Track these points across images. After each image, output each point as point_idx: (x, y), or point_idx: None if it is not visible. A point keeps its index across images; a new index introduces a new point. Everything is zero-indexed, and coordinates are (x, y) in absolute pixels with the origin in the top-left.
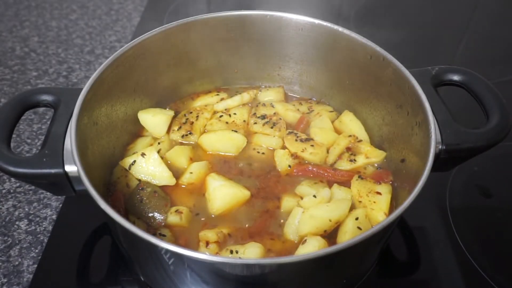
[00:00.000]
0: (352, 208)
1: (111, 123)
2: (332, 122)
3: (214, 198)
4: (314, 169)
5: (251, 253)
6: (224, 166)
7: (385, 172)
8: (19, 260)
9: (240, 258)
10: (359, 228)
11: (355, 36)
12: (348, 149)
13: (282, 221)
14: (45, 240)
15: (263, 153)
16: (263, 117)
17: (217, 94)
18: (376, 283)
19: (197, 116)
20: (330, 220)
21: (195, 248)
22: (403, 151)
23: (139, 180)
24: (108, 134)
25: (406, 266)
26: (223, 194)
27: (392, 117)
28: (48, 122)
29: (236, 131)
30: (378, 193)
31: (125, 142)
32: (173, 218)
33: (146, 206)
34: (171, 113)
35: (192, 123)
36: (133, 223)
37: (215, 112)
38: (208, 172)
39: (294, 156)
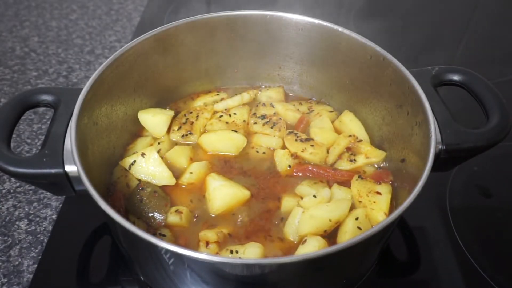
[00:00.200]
0: (352, 208)
1: (111, 123)
2: (332, 122)
3: (214, 198)
4: (314, 169)
5: (251, 253)
6: (224, 166)
7: (385, 172)
8: (19, 260)
9: (240, 258)
10: (359, 228)
11: (355, 36)
12: (348, 149)
13: (282, 221)
14: (45, 240)
15: (263, 153)
16: (263, 117)
17: (217, 94)
18: (376, 283)
19: (197, 116)
20: (330, 220)
21: (195, 248)
22: (403, 151)
23: (139, 180)
24: (108, 134)
25: (406, 266)
26: (223, 194)
27: (392, 117)
28: (48, 122)
29: (236, 131)
30: (378, 193)
31: (125, 142)
32: (173, 218)
33: (146, 206)
34: (171, 113)
35: (192, 123)
36: (133, 223)
37: (215, 112)
38: (208, 172)
39: (294, 156)
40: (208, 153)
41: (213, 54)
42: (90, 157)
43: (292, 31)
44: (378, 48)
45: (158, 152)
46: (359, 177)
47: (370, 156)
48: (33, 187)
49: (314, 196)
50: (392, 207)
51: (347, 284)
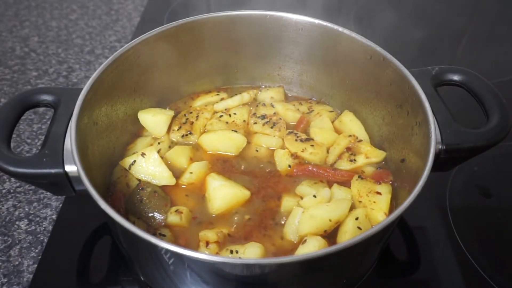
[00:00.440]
0: (352, 208)
1: (111, 123)
2: (332, 122)
3: (214, 198)
4: (314, 169)
5: (251, 253)
6: (224, 166)
7: (385, 172)
8: (19, 260)
9: (240, 258)
10: (359, 228)
11: (355, 36)
12: (348, 149)
13: (282, 221)
14: (45, 240)
15: (263, 153)
16: (263, 117)
17: (217, 94)
18: (376, 283)
19: (197, 116)
20: (330, 220)
21: (195, 248)
22: (403, 151)
23: (139, 180)
24: (108, 134)
25: (406, 266)
26: (223, 194)
27: (392, 117)
28: (48, 122)
29: (236, 131)
30: (378, 193)
31: (125, 142)
32: (173, 218)
33: (146, 206)
34: (171, 113)
35: (192, 123)
36: (133, 223)
37: (215, 112)
38: (208, 172)
39: (294, 156)
40: (208, 153)
41: (213, 54)
42: (90, 157)
43: (292, 31)
44: (378, 48)
45: (158, 152)
46: (359, 177)
47: (370, 156)
48: (33, 187)
49: (314, 196)
50: (392, 207)
51: (347, 284)
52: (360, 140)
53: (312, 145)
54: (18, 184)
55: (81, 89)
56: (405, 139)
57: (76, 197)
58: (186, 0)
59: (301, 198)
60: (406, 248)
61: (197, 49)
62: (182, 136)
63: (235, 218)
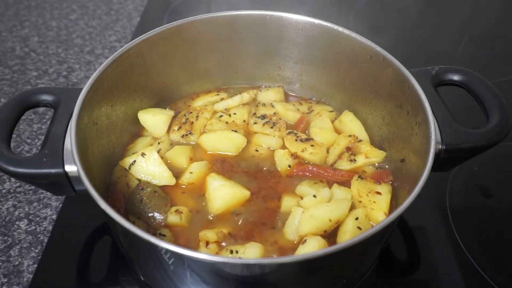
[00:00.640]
0: (352, 208)
1: (111, 123)
2: (332, 122)
3: (214, 198)
4: (314, 169)
5: (251, 253)
6: (224, 166)
7: (385, 172)
8: (19, 260)
9: (240, 258)
10: (359, 228)
11: (355, 36)
12: (348, 149)
13: (282, 221)
14: (45, 240)
15: (263, 153)
16: (263, 117)
17: (217, 94)
18: (376, 283)
19: (197, 116)
20: (330, 220)
21: (195, 248)
22: (403, 151)
23: (139, 180)
24: (108, 134)
25: (406, 266)
26: (223, 194)
27: (392, 117)
28: (48, 122)
29: (236, 131)
30: (378, 193)
31: (125, 142)
32: (173, 218)
33: (146, 206)
34: (171, 113)
35: (192, 123)
36: (133, 223)
37: (215, 112)
38: (208, 172)
39: (294, 156)
40: (208, 153)
41: (213, 54)
42: (90, 157)
43: (292, 31)
44: (378, 48)
45: (158, 152)
46: (359, 177)
47: (370, 156)
48: (33, 187)
49: (314, 196)
50: (392, 207)
51: (347, 284)
52: (360, 140)
53: (312, 145)
54: (18, 184)
55: (81, 89)
56: (405, 139)
57: (76, 197)
58: (186, 0)
59: (301, 198)
60: (406, 248)
61: (197, 49)
62: (182, 136)
63: (235, 218)
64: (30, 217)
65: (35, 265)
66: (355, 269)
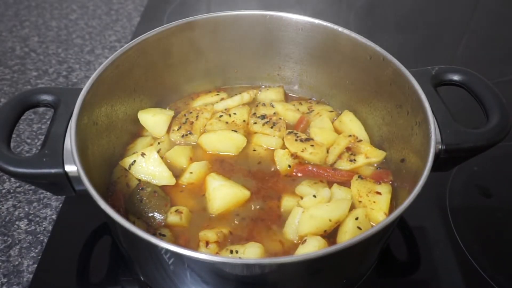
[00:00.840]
0: (352, 208)
1: (111, 123)
2: (332, 122)
3: (214, 198)
4: (314, 169)
5: (251, 253)
6: (224, 166)
7: (385, 172)
8: (19, 260)
9: (240, 258)
10: (359, 228)
11: (355, 36)
12: (348, 149)
13: (282, 221)
14: (45, 240)
15: (263, 153)
16: (263, 117)
17: (217, 94)
18: (376, 283)
19: (197, 116)
20: (330, 220)
21: (195, 248)
22: (403, 151)
23: (139, 180)
24: (108, 134)
25: (406, 266)
26: (223, 194)
27: (392, 117)
28: (48, 122)
29: (236, 131)
30: (378, 193)
31: (125, 142)
32: (173, 218)
33: (146, 206)
34: (171, 113)
35: (192, 123)
36: (133, 223)
37: (215, 112)
38: (208, 172)
39: (294, 156)
40: (208, 153)
41: (213, 54)
42: (90, 157)
43: (292, 31)
44: (378, 48)
45: (158, 152)
46: (359, 177)
47: (370, 156)
48: (33, 187)
49: (314, 196)
50: (392, 207)
51: (347, 284)
52: (360, 140)
53: (312, 145)
54: (18, 184)
55: (81, 89)
56: (405, 139)
57: (76, 197)
58: (186, 0)
59: (301, 198)
60: (406, 248)
61: (197, 49)
62: (182, 136)
63: (235, 218)
64: (30, 217)
65: (35, 265)
66: (355, 269)
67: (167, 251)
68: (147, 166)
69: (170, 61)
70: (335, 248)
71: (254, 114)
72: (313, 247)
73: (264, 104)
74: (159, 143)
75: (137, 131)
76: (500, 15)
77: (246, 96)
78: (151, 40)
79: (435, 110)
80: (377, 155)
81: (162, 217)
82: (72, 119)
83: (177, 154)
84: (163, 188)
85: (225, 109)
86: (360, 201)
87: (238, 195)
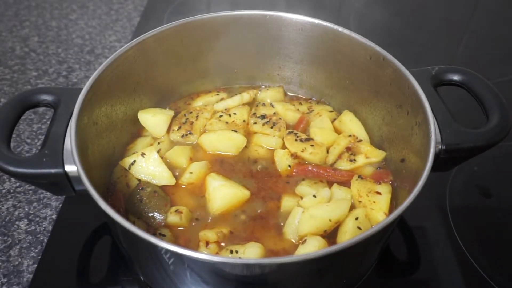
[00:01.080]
0: (352, 208)
1: (111, 123)
2: (332, 122)
3: (214, 198)
4: (314, 169)
5: (251, 253)
6: (224, 166)
7: (385, 172)
8: (19, 260)
9: (240, 258)
10: (359, 228)
11: (355, 36)
12: (348, 149)
13: (282, 221)
14: (45, 240)
15: (263, 153)
16: (263, 117)
17: (217, 94)
18: (376, 283)
19: (197, 116)
20: (330, 220)
21: (195, 248)
22: (403, 151)
23: (139, 180)
24: (108, 134)
25: (406, 266)
26: (223, 194)
27: (392, 117)
28: (48, 122)
29: (236, 131)
30: (378, 193)
31: (125, 142)
32: (173, 218)
33: (146, 206)
34: (171, 113)
35: (192, 123)
36: (133, 223)
37: (215, 112)
38: (208, 172)
39: (294, 156)
40: (208, 153)
41: (213, 54)
42: (90, 157)
43: (292, 31)
44: (378, 48)
45: (158, 152)
46: (359, 177)
47: (370, 156)
48: (33, 187)
49: (314, 196)
50: (392, 207)
51: (347, 284)
52: (360, 140)
53: (312, 145)
54: (18, 184)
55: (81, 89)
56: (405, 139)
57: (76, 197)
58: (186, 0)
59: (301, 198)
60: (406, 248)
61: (197, 49)
62: (182, 136)
63: (235, 218)
64: (30, 217)
65: (35, 265)
66: (355, 269)
67: (167, 251)
68: (147, 166)
69: (170, 61)
70: (335, 248)
71: (254, 114)
72: (313, 247)
73: (264, 104)
74: (159, 143)
75: (137, 131)
76: (500, 15)
77: (246, 96)
78: (151, 40)
79: (435, 110)
80: (377, 155)
81: (162, 217)
82: (72, 119)
83: (177, 154)
84: (163, 188)
85: (225, 109)
86: (360, 201)
87: (238, 195)
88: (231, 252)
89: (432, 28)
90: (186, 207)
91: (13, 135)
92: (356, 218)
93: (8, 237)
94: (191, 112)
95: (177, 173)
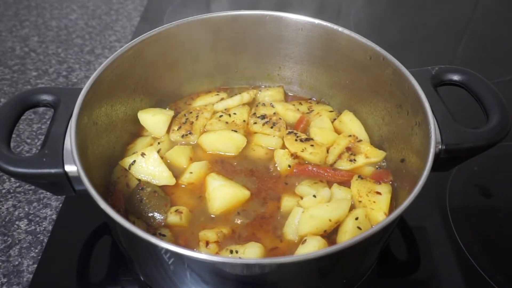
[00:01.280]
0: (352, 208)
1: (111, 123)
2: (332, 122)
3: (214, 198)
4: (314, 169)
5: (251, 253)
6: (224, 166)
7: (385, 172)
8: (19, 260)
9: (240, 258)
10: (359, 228)
11: (355, 36)
12: (348, 149)
13: (282, 221)
14: (45, 240)
15: (263, 153)
16: (263, 117)
17: (217, 94)
18: (376, 283)
19: (197, 116)
20: (330, 220)
21: (195, 248)
22: (403, 151)
23: (139, 180)
24: (108, 134)
25: (406, 266)
26: (223, 194)
27: (392, 117)
28: (48, 122)
29: (236, 131)
30: (378, 193)
31: (125, 142)
32: (173, 218)
33: (146, 206)
34: (171, 113)
35: (192, 123)
36: (133, 223)
37: (215, 112)
38: (208, 172)
39: (294, 156)
40: (208, 153)
41: (213, 54)
42: (90, 157)
43: (292, 31)
44: (378, 48)
45: (158, 152)
46: (359, 177)
47: (370, 156)
48: (33, 187)
49: (314, 196)
50: (392, 207)
51: (347, 284)
52: (360, 140)
53: (312, 145)
54: (18, 184)
55: (81, 89)
56: (405, 139)
57: (76, 197)
58: (186, 0)
59: (301, 198)
60: (406, 248)
61: (197, 49)
62: (182, 136)
63: (235, 218)
64: (30, 217)
65: (35, 265)
66: (355, 269)
67: (167, 251)
68: (147, 166)
69: (169, 61)
70: (335, 248)
71: (254, 114)
72: (313, 247)
73: (264, 104)
74: (159, 143)
75: (137, 131)
76: (500, 15)
77: (246, 96)
78: (151, 40)
79: (435, 110)
80: (377, 155)
81: (162, 217)
82: (72, 119)
83: (177, 154)
84: (163, 188)
85: (225, 109)
86: (360, 201)
87: (238, 195)
88: (231, 252)
89: (432, 28)
90: (186, 207)
91: (13, 135)
92: (356, 218)
93: (8, 237)
94: (191, 112)
95: (177, 173)
